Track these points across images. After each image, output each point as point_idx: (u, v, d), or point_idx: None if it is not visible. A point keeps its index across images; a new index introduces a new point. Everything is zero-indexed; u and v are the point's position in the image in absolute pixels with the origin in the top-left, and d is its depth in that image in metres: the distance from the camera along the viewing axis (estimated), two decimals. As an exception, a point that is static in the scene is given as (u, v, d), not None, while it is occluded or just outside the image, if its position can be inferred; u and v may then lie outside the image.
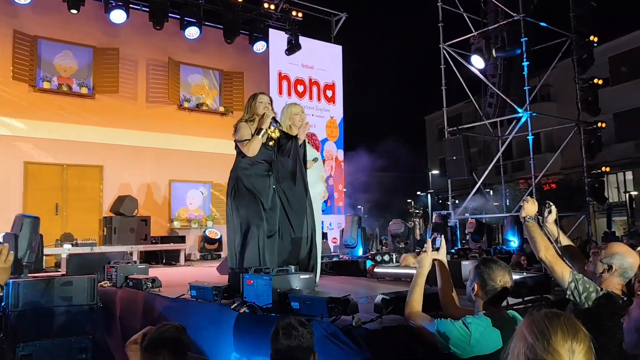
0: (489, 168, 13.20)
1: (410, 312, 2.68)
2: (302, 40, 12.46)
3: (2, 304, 4.62)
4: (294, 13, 12.83)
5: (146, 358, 2.63)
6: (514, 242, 11.03)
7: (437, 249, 2.93)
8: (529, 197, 3.37)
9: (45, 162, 10.48)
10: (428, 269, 2.86)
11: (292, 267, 3.77)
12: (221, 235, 11.59)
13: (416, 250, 8.29)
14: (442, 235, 2.99)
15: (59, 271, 7.66)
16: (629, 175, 23.65)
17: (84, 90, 11.04)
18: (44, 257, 7.84)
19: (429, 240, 2.96)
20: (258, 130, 4.48)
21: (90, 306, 4.95)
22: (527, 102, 12.13)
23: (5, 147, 9.98)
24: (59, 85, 10.77)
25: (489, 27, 12.93)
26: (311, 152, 5.00)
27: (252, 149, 4.44)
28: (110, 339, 5.38)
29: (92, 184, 11.00)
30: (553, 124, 16.79)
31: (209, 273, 7.10)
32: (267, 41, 12.51)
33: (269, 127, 4.58)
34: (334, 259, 7.43)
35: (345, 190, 14.03)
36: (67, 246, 8.63)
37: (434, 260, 2.90)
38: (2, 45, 10.13)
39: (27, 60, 10.43)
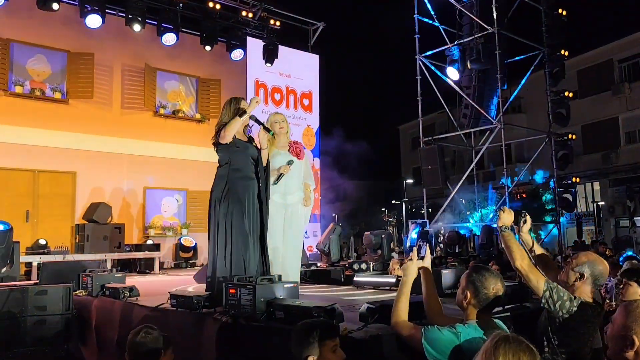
0: (464, 177, 13.42)
1: (397, 320, 2.70)
2: (280, 48, 12.50)
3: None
4: (271, 22, 12.86)
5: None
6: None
7: (422, 258, 2.96)
8: (505, 207, 3.43)
9: (16, 168, 10.23)
10: (414, 277, 2.88)
11: (276, 275, 3.76)
12: (196, 244, 11.47)
13: (394, 258, 8.34)
14: (427, 244, 3.02)
15: (30, 280, 7.47)
16: (596, 185, 24.28)
17: (58, 95, 10.82)
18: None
19: (414, 249, 2.99)
20: (241, 113, 4.44)
21: (65, 315, 4.85)
22: (501, 113, 12.40)
23: (-26, 152, 9.71)
24: (31, 90, 10.54)
25: (464, 40, 13.19)
26: (285, 157, 4.98)
27: (230, 130, 4.37)
28: (85, 349, 5.27)
29: (65, 190, 10.77)
30: (523, 134, 17.18)
31: (186, 281, 7.01)
32: (244, 49, 12.50)
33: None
34: (312, 267, 7.43)
35: (321, 198, 14.06)
36: (38, 255, 8.41)
37: (419, 268, 2.93)
38: (-28, 48, 9.88)
39: (-1, 63, 10.19)
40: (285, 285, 3.60)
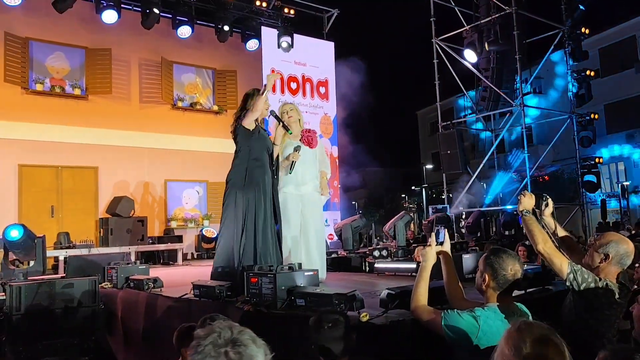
0: (484, 161, 13.28)
1: (417, 305, 2.70)
2: (295, 37, 12.45)
3: (5, 307, 4.61)
4: (285, 10, 12.79)
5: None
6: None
7: (441, 243, 2.95)
8: (526, 190, 3.40)
9: (40, 165, 10.43)
10: (433, 263, 2.87)
11: (296, 264, 3.79)
12: (218, 234, 11.56)
13: (413, 246, 8.31)
14: (446, 229, 3.01)
15: (57, 273, 7.64)
16: (621, 166, 23.82)
17: (77, 92, 10.97)
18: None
19: (433, 234, 2.98)
20: (262, 90, 4.54)
21: (91, 307, 4.95)
22: (521, 95, 12.20)
23: (-1, 149, 9.92)
24: (51, 87, 10.71)
25: (482, 21, 12.98)
26: (293, 144, 5.00)
27: (257, 106, 4.47)
28: (112, 340, 5.38)
29: (88, 185, 10.96)
30: (545, 116, 16.90)
31: (208, 272, 7.09)
32: (259, 39, 12.48)
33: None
34: (333, 256, 7.45)
35: (340, 186, 14.05)
36: (64, 250, 8.59)
37: (438, 253, 2.92)
38: (-7, 48, 10.05)
39: (19, 62, 10.35)
40: (306, 273, 3.62)
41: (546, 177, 22.23)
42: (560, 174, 22.66)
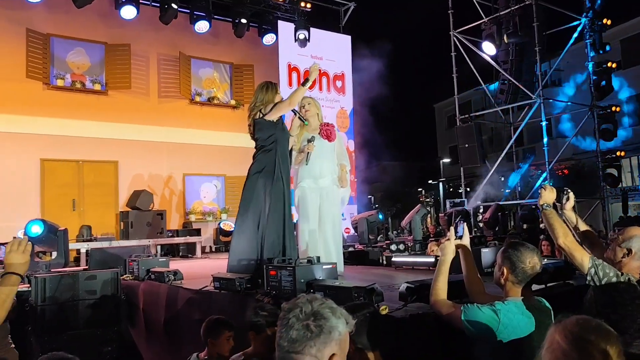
0: (502, 155, 13.16)
1: (436, 299, 2.71)
2: (311, 31, 12.43)
3: (30, 298, 4.72)
4: (302, 4, 12.79)
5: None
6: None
7: (460, 237, 2.94)
8: (547, 184, 3.37)
9: (61, 159, 10.60)
10: (452, 257, 2.87)
11: (315, 257, 3.81)
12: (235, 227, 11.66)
13: (431, 239, 8.30)
14: (465, 222, 3.00)
15: (79, 266, 7.78)
16: (643, 159, 23.41)
17: (97, 87, 11.12)
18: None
19: (452, 228, 2.98)
20: (304, 82, 4.58)
21: (114, 299, 5.04)
22: (540, 87, 12.05)
23: (21, 144, 10.10)
24: (72, 82, 10.87)
25: (501, 13, 12.83)
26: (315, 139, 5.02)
27: (295, 99, 4.54)
28: (134, 331, 5.48)
29: (108, 179, 11.12)
30: (565, 109, 16.67)
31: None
32: (276, 33, 12.50)
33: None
34: (350, 249, 7.48)
35: (356, 180, 14.05)
36: (85, 243, 8.74)
37: (458, 247, 2.92)
38: (15, 44, 10.22)
39: (40, 58, 10.52)
40: (324, 267, 3.65)
41: (566, 171, 21.96)
42: (580, 167, 22.34)
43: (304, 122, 4.77)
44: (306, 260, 3.70)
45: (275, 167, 4.49)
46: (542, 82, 12.22)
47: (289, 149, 4.83)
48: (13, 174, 9.95)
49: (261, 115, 4.57)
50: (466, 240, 2.95)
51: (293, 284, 3.47)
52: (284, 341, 1.50)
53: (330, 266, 3.69)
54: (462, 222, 3.07)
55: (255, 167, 4.57)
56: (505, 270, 2.48)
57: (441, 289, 2.73)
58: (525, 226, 11.73)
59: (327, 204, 4.96)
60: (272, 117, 4.54)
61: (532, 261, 2.45)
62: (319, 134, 5.00)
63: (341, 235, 5.22)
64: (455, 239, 2.93)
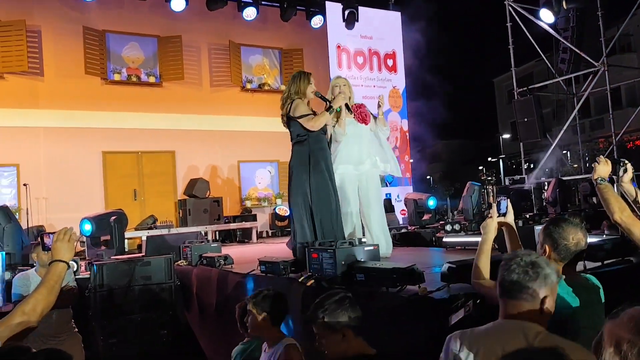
0: (564, 128, 12.53)
1: (477, 279, 2.60)
2: (359, 9, 12.22)
3: (89, 284, 4.95)
4: (349, -18, 12.56)
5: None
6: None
7: (504, 214, 2.80)
8: (601, 157, 3.14)
9: (121, 151, 11.03)
10: (494, 235, 2.74)
11: (357, 239, 3.76)
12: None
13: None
14: (508, 199, 2.85)
15: (141, 253, 8.10)
16: None
17: (152, 79, 11.46)
18: (126, 240, 8.28)
19: (494, 205, 2.84)
20: (329, 108, 4.51)
21: (168, 284, 5.21)
22: (604, 55, 11.33)
23: (83, 138, 10.58)
24: (128, 77, 11.25)
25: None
26: (350, 123, 4.94)
27: (318, 124, 4.45)
28: (188, 314, 5.65)
29: (166, 169, 11.48)
30: (635, 76, 15.62)
31: (279, 249, 7.25)
32: (324, 15, 12.37)
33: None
34: (402, 231, 7.37)
35: (412, 161, 13.80)
36: (145, 230, 9.08)
37: (501, 225, 2.78)
38: (73, 42, 10.67)
39: (97, 54, 10.93)
40: (366, 248, 3.60)
41: (637, 142, 20.71)
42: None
43: (327, 101, 4.64)
44: (347, 242, 3.66)
45: (309, 157, 4.44)
46: (606, 49, 11.46)
47: (328, 138, 4.74)
48: (78, 167, 10.45)
49: (293, 115, 4.52)
50: (510, 218, 2.81)
51: (334, 266, 3.45)
52: (505, 282, 1.85)
53: (371, 248, 3.63)
54: (505, 199, 2.90)
55: (292, 161, 4.56)
56: (547, 248, 2.33)
57: (483, 267, 2.62)
58: (594, 200, 11.13)
59: (368, 188, 4.95)
60: (312, 128, 4.47)
61: (575, 237, 2.29)
62: (353, 117, 4.90)
63: (384, 217, 5.13)
64: (498, 217, 2.79)
